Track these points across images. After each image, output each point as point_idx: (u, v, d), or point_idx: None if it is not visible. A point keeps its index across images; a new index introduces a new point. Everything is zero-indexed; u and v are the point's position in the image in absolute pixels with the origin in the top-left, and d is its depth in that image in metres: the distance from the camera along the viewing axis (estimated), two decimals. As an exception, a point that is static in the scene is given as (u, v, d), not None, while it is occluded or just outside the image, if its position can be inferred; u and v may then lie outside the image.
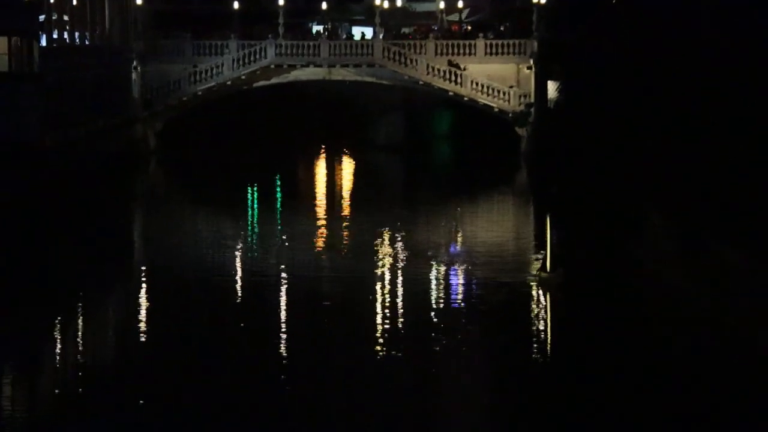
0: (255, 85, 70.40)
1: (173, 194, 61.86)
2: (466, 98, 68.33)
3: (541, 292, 35.13)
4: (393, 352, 29.05)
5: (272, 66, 69.28)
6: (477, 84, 67.84)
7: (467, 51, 69.22)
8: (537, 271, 36.40)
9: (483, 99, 68.01)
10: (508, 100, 67.91)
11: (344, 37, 78.80)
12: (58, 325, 32.84)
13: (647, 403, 25.42)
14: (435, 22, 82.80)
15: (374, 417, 24.90)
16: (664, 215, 37.06)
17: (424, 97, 73.28)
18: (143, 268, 41.26)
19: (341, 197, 59.18)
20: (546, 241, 36.15)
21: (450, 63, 68.48)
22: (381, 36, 70.91)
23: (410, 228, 47.16)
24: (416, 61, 68.24)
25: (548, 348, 30.39)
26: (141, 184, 64.22)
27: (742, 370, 27.44)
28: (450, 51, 69.16)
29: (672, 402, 25.56)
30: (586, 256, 39.45)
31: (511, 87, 68.11)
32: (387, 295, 35.73)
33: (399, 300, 35.10)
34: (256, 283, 37.61)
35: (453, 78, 67.86)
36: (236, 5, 75.10)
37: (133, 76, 67.89)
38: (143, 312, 34.18)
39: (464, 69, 67.98)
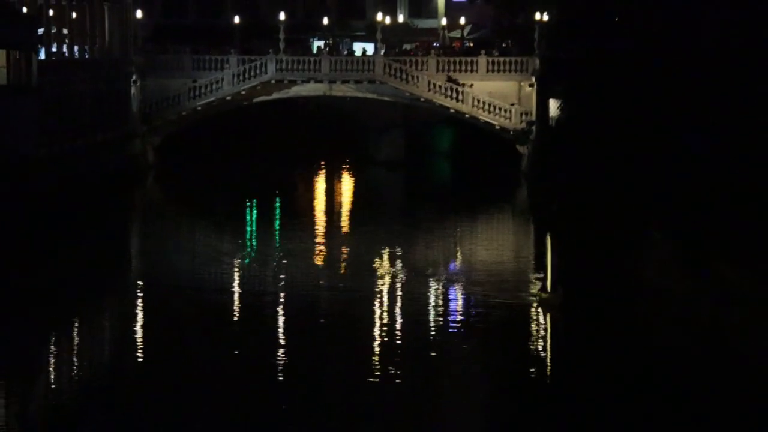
0: (255, 100, 70.12)
1: (171, 209, 61.53)
2: (467, 115, 68.05)
3: (540, 312, 34.81)
4: (390, 370, 28.76)
5: (273, 81, 69.02)
6: (478, 101, 67.57)
7: (469, 68, 68.99)
8: (537, 291, 36.08)
9: (484, 116, 67.73)
10: (510, 118, 67.61)
11: (345, 52, 78.62)
12: (52, 338, 32.65)
13: (649, 426, 25.05)
14: (437, 38, 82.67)
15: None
16: (665, 232, 36.85)
17: (425, 113, 72.98)
18: (139, 283, 40.89)
19: (341, 213, 58.91)
20: (546, 261, 35.87)
21: (449, 79, 68.22)
22: (382, 52, 70.67)
23: (410, 245, 46.94)
24: (417, 77, 68.00)
25: (547, 368, 30.10)
26: (139, 198, 63.88)
27: (744, 390, 27.15)
28: (452, 68, 68.93)
29: (673, 424, 25.32)
30: (586, 275, 39.15)
31: (513, 104, 67.83)
32: (385, 314, 35.43)
33: (397, 319, 34.80)
34: (253, 301, 37.34)
35: (454, 95, 67.61)
36: (236, 20, 74.95)
37: (132, 90, 67.61)
38: (137, 328, 33.90)
39: (471, 86, 67.70)
